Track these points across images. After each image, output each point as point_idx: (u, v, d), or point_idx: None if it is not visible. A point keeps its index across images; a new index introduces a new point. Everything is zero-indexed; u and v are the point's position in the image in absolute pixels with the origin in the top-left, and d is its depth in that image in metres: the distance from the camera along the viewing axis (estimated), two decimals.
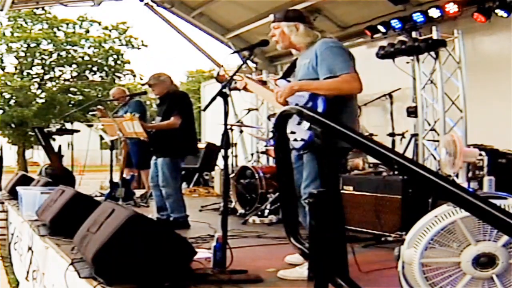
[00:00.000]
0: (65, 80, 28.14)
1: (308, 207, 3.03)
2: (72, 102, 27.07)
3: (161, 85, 5.33)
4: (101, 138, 9.11)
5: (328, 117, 1.99)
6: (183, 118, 5.16)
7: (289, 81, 3.41)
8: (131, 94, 7.06)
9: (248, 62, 9.78)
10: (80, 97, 27.19)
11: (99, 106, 6.95)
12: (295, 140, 3.14)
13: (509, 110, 5.83)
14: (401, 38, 6.82)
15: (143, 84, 6.53)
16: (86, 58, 27.76)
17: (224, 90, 3.24)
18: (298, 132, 3.12)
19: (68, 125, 24.28)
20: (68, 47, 27.22)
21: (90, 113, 22.29)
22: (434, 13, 6.44)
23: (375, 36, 7.49)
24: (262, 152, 7.61)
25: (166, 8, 10.21)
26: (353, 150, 5.42)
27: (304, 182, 3.18)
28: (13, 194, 6.59)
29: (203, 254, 3.36)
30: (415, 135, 6.89)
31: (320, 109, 3.05)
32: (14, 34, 26.04)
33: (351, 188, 4.99)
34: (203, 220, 5.59)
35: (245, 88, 3.70)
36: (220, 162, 8.85)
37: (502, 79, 6.14)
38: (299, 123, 3.10)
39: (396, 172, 4.50)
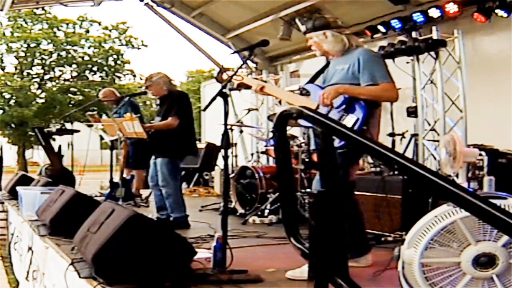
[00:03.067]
0: (65, 80, 28.15)
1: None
2: (72, 102, 27.07)
3: (155, 85, 5.32)
4: (101, 138, 9.11)
5: (328, 117, 1.99)
6: (182, 119, 5.15)
7: (318, 86, 3.54)
8: (130, 94, 7.06)
9: (248, 62, 9.78)
10: (80, 97, 27.19)
11: (89, 113, 6.98)
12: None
13: (509, 110, 5.83)
14: (401, 38, 6.82)
15: (140, 87, 6.60)
16: (86, 58, 27.78)
17: (224, 90, 3.24)
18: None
19: (68, 125, 24.25)
20: (68, 47, 27.23)
21: (90, 113, 22.30)
22: (434, 13, 6.44)
23: (375, 36, 7.49)
24: (262, 152, 7.61)
25: (166, 8, 10.20)
26: None
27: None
28: (13, 194, 6.59)
29: (203, 254, 3.36)
30: (415, 135, 6.88)
31: (360, 114, 3.28)
32: (14, 34, 26.05)
33: None
34: (203, 220, 5.59)
35: (261, 90, 3.69)
36: (220, 162, 8.86)
37: (502, 79, 6.13)
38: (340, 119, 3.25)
39: (396, 172, 4.50)
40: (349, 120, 3.29)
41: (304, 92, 3.61)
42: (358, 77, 3.34)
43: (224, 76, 3.73)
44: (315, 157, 6.31)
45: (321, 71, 3.69)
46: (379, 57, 3.45)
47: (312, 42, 3.53)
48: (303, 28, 3.65)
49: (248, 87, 3.76)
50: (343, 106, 3.32)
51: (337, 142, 3.21)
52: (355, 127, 3.24)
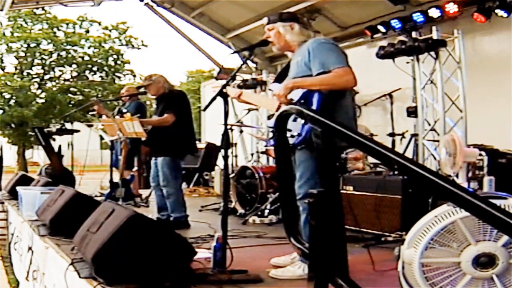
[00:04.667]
0: (65, 80, 28.16)
1: (305, 206, 3.09)
2: (72, 102, 27.08)
3: (154, 85, 5.34)
4: (101, 138, 9.11)
5: (328, 117, 1.99)
6: (180, 117, 5.15)
7: (279, 84, 3.43)
8: (130, 94, 7.05)
9: (248, 62, 9.79)
10: (80, 97, 27.21)
11: (95, 100, 6.94)
12: (292, 136, 3.14)
13: (509, 110, 5.83)
14: (401, 38, 6.81)
15: (138, 87, 6.59)
16: (86, 58, 27.78)
17: (224, 90, 3.24)
18: (294, 128, 3.13)
19: (68, 125, 24.29)
20: (68, 47, 27.23)
21: (90, 113, 22.38)
22: (434, 13, 6.44)
23: (375, 36, 7.49)
24: (262, 152, 7.61)
25: (166, 8, 10.20)
26: (351, 151, 5.46)
27: (298, 181, 3.19)
28: (13, 194, 6.59)
29: (203, 254, 3.36)
30: (415, 135, 6.88)
31: (314, 106, 3.07)
32: (14, 34, 26.05)
33: (351, 188, 4.99)
34: (203, 220, 5.59)
35: (239, 98, 3.64)
36: (220, 162, 8.86)
37: (502, 79, 6.14)
38: (294, 120, 3.11)
39: (396, 172, 4.50)
40: None
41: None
42: (311, 67, 3.16)
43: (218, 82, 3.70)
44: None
45: (287, 68, 3.52)
46: (330, 43, 3.22)
47: (273, 33, 3.38)
48: (265, 20, 3.47)
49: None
50: (302, 101, 3.13)
51: (295, 139, 3.18)
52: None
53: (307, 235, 3.05)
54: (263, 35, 3.50)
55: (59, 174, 7.21)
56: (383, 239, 4.38)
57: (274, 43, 3.41)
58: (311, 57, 3.15)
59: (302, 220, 3.17)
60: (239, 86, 9.82)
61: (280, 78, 3.56)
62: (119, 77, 28.87)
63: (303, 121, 3.05)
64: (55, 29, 27.11)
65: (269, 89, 3.58)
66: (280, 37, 3.37)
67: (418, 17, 6.56)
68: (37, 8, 22.44)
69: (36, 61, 27.08)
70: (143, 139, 5.46)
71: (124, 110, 6.65)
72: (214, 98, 3.22)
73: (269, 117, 9.63)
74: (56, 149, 7.69)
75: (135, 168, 7.40)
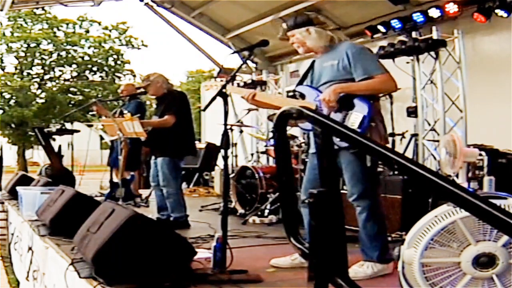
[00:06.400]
0: (65, 80, 28.14)
1: (364, 205, 3.17)
2: (72, 102, 27.08)
3: (153, 85, 5.33)
4: (101, 138, 9.12)
5: (328, 117, 1.99)
6: (179, 118, 5.15)
7: (311, 86, 3.44)
8: (130, 94, 7.04)
9: (248, 62, 9.80)
10: (80, 97, 27.20)
11: (94, 100, 6.94)
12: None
13: (509, 110, 5.83)
14: (401, 38, 6.82)
15: (137, 88, 6.60)
16: (86, 58, 27.76)
17: (224, 90, 3.24)
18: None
19: (68, 125, 24.27)
20: (68, 47, 27.22)
21: (90, 113, 22.39)
22: (434, 13, 6.44)
23: (375, 36, 7.49)
24: (262, 152, 7.61)
25: (166, 8, 10.22)
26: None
27: (350, 182, 3.26)
28: (13, 194, 6.59)
29: (203, 254, 3.36)
30: (415, 135, 6.88)
31: (365, 110, 3.14)
32: (14, 34, 26.04)
33: None
34: (203, 220, 5.59)
35: (252, 99, 3.53)
36: (220, 162, 8.86)
37: (502, 79, 6.14)
38: (343, 121, 3.16)
39: (396, 172, 4.50)
40: (355, 118, 3.15)
41: (297, 95, 3.51)
42: (350, 71, 3.22)
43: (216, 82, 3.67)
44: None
45: (308, 71, 3.56)
46: (367, 49, 3.35)
47: (294, 40, 3.42)
48: (284, 26, 3.50)
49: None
50: (339, 105, 3.19)
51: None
52: (363, 125, 3.12)
53: (371, 231, 3.16)
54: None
55: (59, 174, 7.20)
56: None
57: (299, 47, 3.45)
58: (351, 62, 3.21)
59: (361, 220, 3.20)
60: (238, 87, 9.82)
61: (303, 81, 3.57)
62: (119, 77, 28.84)
63: (355, 123, 3.13)
64: (55, 29, 27.09)
65: (294, 91, 3.55)
66: (302, 43, 3.42)
67: (418, 17, 6.56)
68: (37, 8, 22.43)
69: (36, 61, 27.07)
70: (143, 139, 5.46)
71: (125, 111, 6.65)
72: (214, 98, 3.22)
73: (269, 117, 9.68)
74: (56, 149, 7.69)
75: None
